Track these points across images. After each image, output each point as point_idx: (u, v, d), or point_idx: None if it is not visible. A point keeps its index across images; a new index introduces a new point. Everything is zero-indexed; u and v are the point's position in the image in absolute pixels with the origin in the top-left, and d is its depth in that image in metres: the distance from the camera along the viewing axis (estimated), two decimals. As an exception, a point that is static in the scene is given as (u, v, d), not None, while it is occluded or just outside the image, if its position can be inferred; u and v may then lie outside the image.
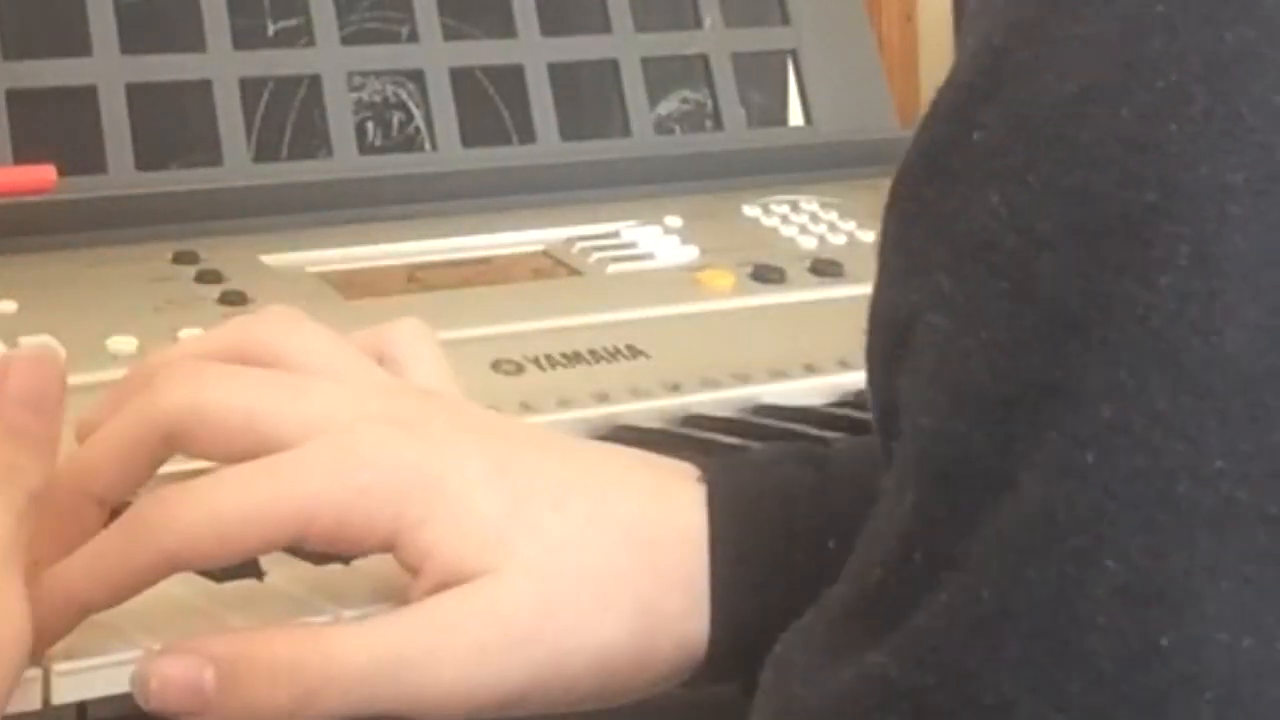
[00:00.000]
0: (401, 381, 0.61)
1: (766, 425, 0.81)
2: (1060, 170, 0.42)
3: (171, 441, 0.56)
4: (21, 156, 0.91)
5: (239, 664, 0.53)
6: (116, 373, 0.78)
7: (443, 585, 0.55)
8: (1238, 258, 0.40)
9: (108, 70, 0.94)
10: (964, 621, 0.42)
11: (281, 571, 0.63)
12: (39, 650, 0.53)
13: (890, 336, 0.46)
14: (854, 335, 0.89)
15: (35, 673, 0.53)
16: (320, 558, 0.64)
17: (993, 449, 0.42)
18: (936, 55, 1.48)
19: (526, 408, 0.80)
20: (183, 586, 0.62)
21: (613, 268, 0.94)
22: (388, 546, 0.55)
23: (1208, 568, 0.40)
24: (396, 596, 0.60)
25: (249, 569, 0.62)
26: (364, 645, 0.54)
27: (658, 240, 0.96)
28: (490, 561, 0.55)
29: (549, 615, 0.55)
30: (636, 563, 0.56)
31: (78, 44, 0.94)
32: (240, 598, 0.61)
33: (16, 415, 0.52)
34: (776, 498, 0.58)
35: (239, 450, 0.56)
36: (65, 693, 0.54)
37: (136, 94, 0.95)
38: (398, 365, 0.62)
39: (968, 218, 0.44)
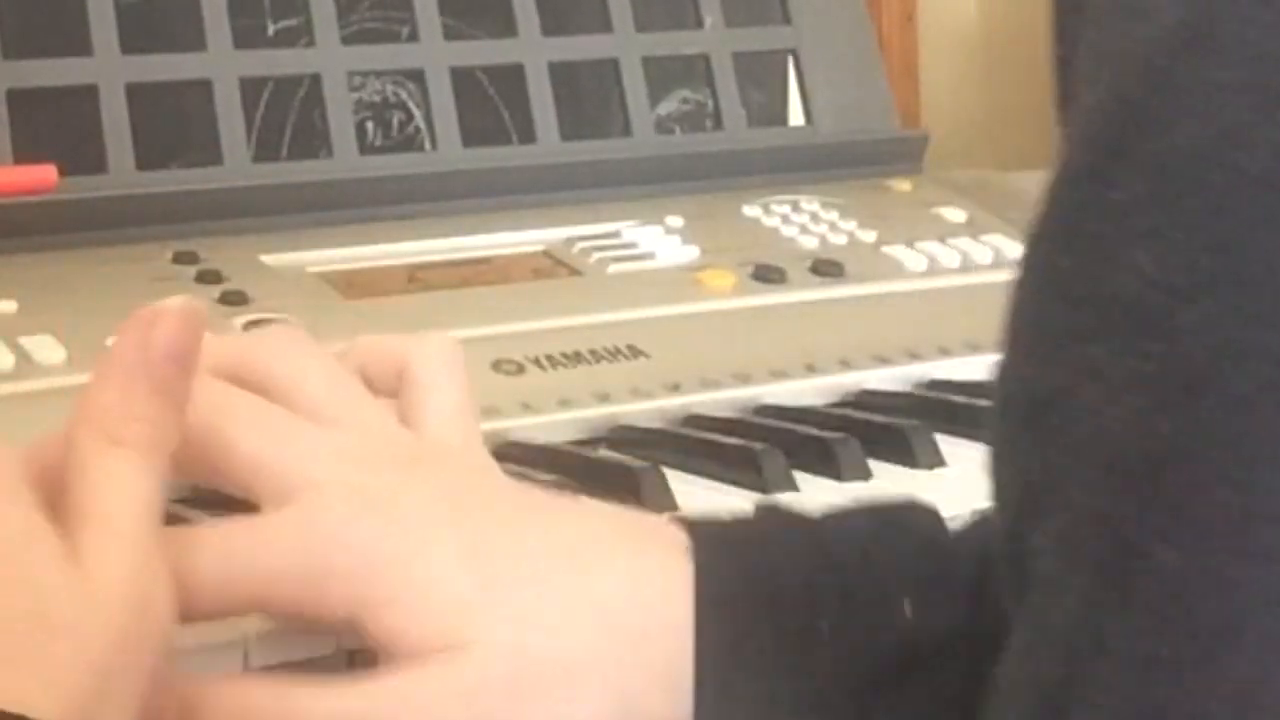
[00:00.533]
0: (390, 433, 0.58)
1: (766, 425, 0.81)
2: (1199, 220, 0.41)
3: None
4: (22, 156, 0.91)
5: (203, 707, 0.52)
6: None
7: (409, 663, 0.53)
8: None
9: (108, 70, 0.94)
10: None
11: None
12: None
13: (1028, 414, 0.45)
14: (854, 335, 0.89)
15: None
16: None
17: (1151, 520, 0.41)
18: (936, 55, 1.48)
19: (526, 408, 0.80)
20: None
21: (613, 268, 0.94)
22: (351, 625, 0.54)
23: None
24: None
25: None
26: (325, 708, 0.53)
27: (658, 240, 0.96)
28: (459, 638, 0.53)
29: (517, 698, 0.52)
30: (616, 651, 0.53)
31: (78, 44, 0.94)
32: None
33: (165, 370, 0.50)
34: (766, 586, 0.55)
35: (208, 476, 0.55)
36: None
37: (136, 94, 0.95)
38: (417, 388, 0.59)
39: (1112, 281, 0.42)
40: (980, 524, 0.60)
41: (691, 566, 0.55)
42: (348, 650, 0.59)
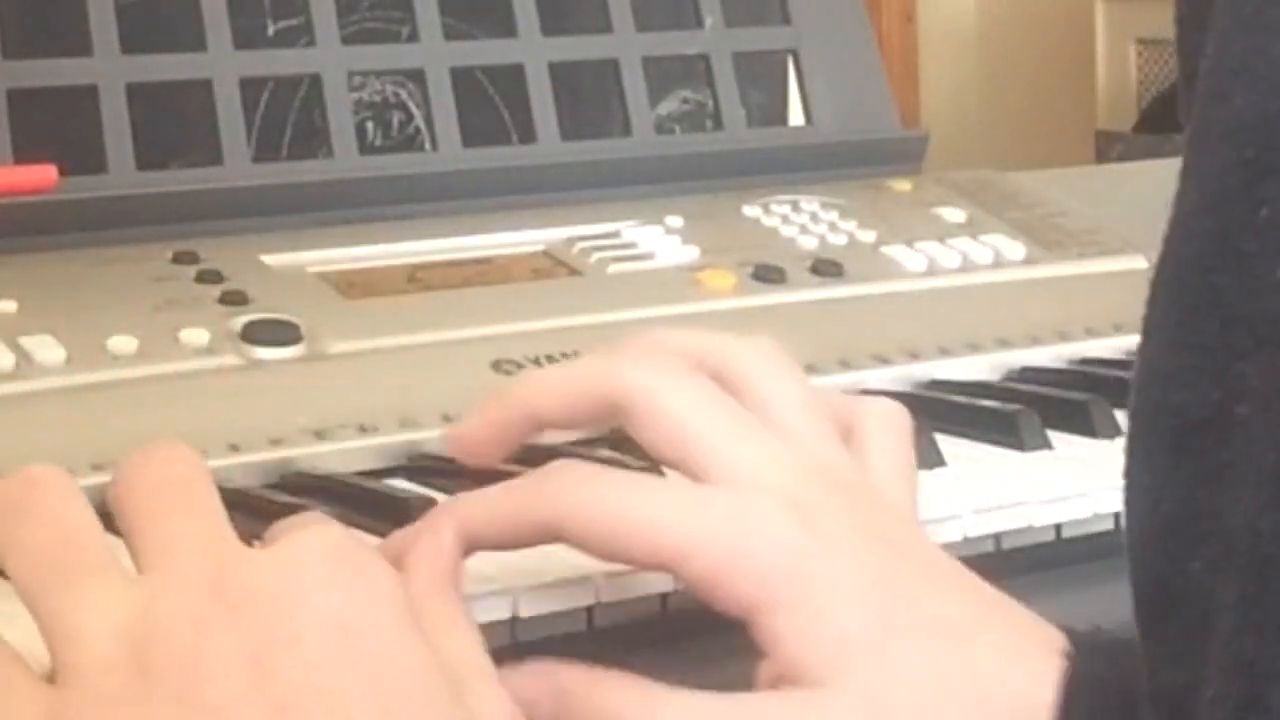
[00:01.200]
0: (839, 464, 0.58)
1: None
2: None
3: (614, 409, 0.58)
4: (21, 156, 0.91)
5: (574, 697, 0.53)
6: (117, 373, 0.78)
7: (782, 679, 0.54)
8: None
9: (108, 70, 0.94)
10: None
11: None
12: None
13: (1178, 440, 0.44)
14: (854, 335, 0.89)
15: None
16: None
17: None
18: (936, 55, 1.48)
19: (527, 408, 0.80)
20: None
21: (613, 268, 0.94)
22: (744, 617, 0.55)
23: None
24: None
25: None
26: (689, 717, 0.54)
27: (658, 240, 0.96)
28: (831, 676, 0.53)
29: None
30: None
31: (78, 44, 0.94)
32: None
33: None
34: (1123, 695, 0.53)
35: (660, 450, 0.57)
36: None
37: (136, 94, 0.95)
38: (861, 443, 0.60)
39: (1264, 298, 0.42)
40: None
41: (1065, 662, 0.54)
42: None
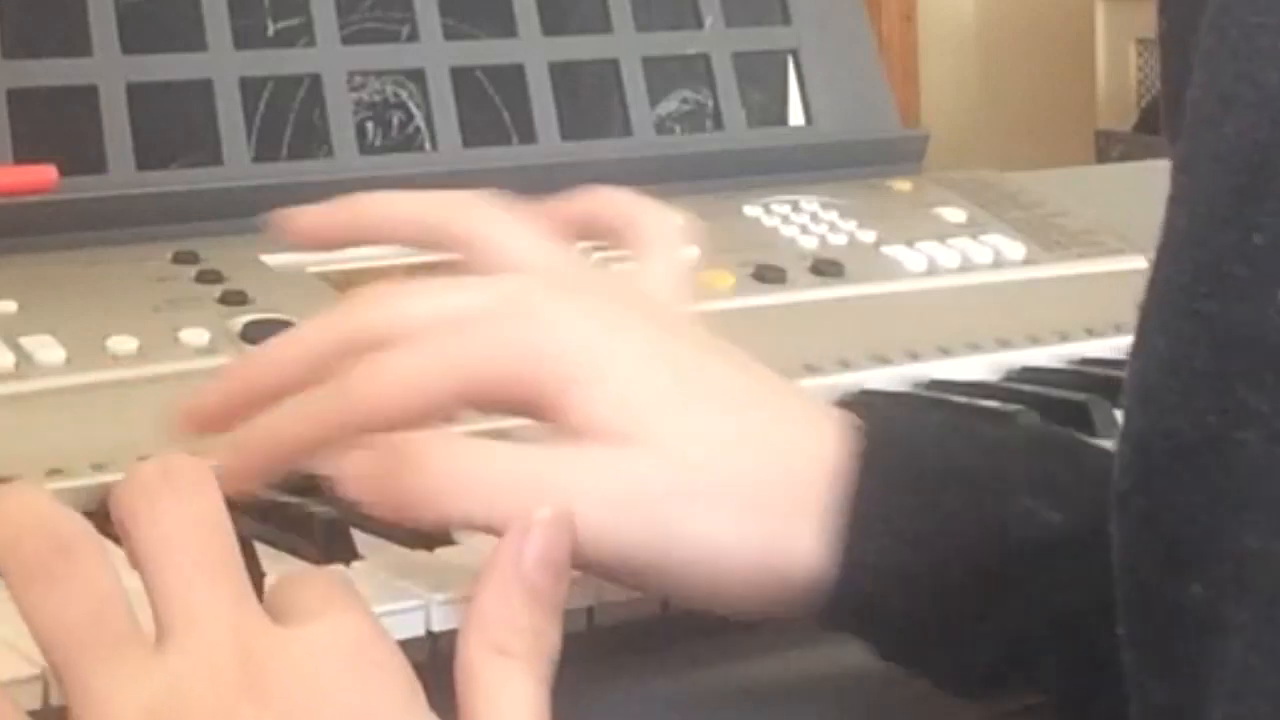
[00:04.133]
0: (600, 271, 0.63)
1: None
2: None
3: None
4: (21, 156, 0.91)
5: (411, 454, 0.56)
6: (117, 373, 0.78)
7: (588, 438, 0.57)
8: None
9: (108, 70, 0.94)
10: None
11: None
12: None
13: (1173, 465, 0.44)
14: (854, 335, 0.89)
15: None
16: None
17: None
18: (936, 55, 1.48)
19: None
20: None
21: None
22: (547, 406, 0.57)
23: None
24: (400, 598, 0.60)
25: (250, 569, 0.62)
26: (501, 466, 0.56)
27: (658, 240, 0.96)
28: (631, 433, 0.56)
29: (677, 495, 0.56)
30: (775, 484, 0.57)
31: (78, 44, 0.94)
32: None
33: (540, 579, 0.53)
34: (918, 460, 0.58)
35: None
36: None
37: (136, 94, 0.95)
38: (641, 248, 0.65)
39: (1258, 323, 0.42)
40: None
41: (861, 432, 0.58)
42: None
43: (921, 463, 0.58)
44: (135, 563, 0.50)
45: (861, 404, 0.61)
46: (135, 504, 0.50)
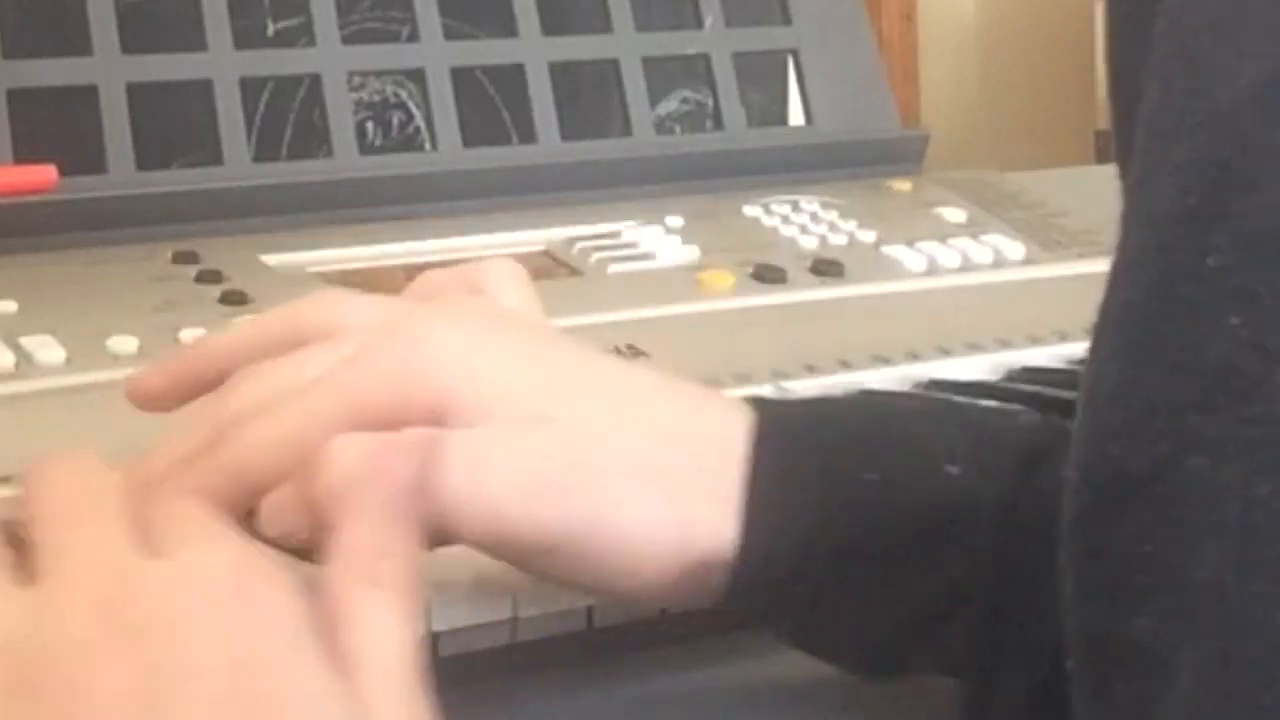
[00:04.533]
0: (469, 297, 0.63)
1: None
2: None
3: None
4: (21, 156, 0.91)
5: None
6: (116, 373, 0.78)
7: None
8: None
9: (108, 70, 0.94)
10: None
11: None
12: None
13: (1121, 494, 0.44)
14: (854, 335, 0.89)
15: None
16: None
17: (1265, 587, 0.41)
18: (936, 55, 1.48)
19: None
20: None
21: (613, 268, 0.94)
22: (445, 419, 0.57)
23: None
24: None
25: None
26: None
27: (658, 240, 0.96)
28: (538, 420, 0.56)
29: (585, 472, 0.56)
30: (673, 462, 0.57)
31: (78, 44, 0.94)
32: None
33: (404, 505, 0.52)
34: (820, 433, 0.58)
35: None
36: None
37: (136, 94, 0.95)
38: (491, 295, 0.64)
39: (1211, 346, 0.42)
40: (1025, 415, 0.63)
41: (750, 409, 0.58)
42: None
43: (821, 435, 0.58)
44: (29, 525, 0.49)
45: (762, 398, 0.61)
46: (31, 479, 0.51)
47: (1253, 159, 0.42)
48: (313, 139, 1.01)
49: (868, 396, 0.62)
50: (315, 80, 1.00)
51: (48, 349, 0.78)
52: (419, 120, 1.05)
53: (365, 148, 1.02)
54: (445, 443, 0.54)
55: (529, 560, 0.57)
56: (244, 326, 0.63)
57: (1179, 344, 0.43)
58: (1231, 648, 0.41)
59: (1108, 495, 0.44)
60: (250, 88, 0.98)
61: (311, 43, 1.00)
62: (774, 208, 1.02)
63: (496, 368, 0.57)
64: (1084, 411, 0.45)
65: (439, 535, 0.55)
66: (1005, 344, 0.90)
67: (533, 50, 1.05)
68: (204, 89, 0.97)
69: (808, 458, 0.58)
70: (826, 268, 0.96)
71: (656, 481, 0.56)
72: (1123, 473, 0.44)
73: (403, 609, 0.49)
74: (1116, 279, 0.45)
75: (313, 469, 0.55)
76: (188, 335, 0.81)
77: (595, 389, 0.58)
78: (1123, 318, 0.45)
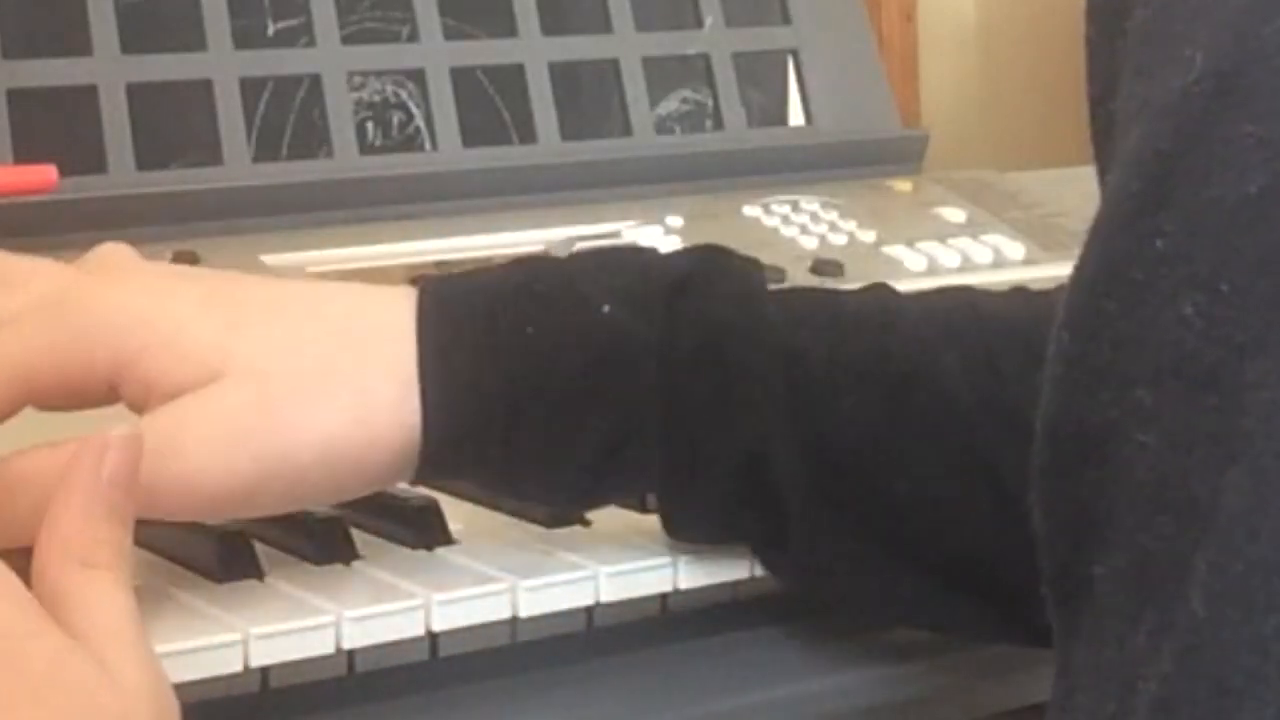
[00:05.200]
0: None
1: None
2: (1252, 276, 0.41)
3: None
4: (21, 156, 0.91)
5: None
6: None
7: (173, 401, 0.59)
8: None
9: (108, 70, 0.94)
10: None
11: (282, 571, 0.63)
12: None
13: (1082, 450, 0.45)
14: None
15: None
16: (320, 558, 0.64)
17: (1197, 569, 0.41)
18: (936, 55, 1.48)
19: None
20: (183, 587, 0.62)
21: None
22: (111, 387, 0.59)
23: None
24: (400, 597, 0.60)
25: (249, 569, 0.62)
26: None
27: (658, 240, 0.96)
28: (211, 374, 0.58)
29: (271, 411, 0.58)
30: (349, 356, 0.60)
31: (78, 44, 0.94)
32: (240, 598, 0.61)
33: (117, 494, 0.54)
34: (482, 298, 0.62)
35: None
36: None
37: (136, 94, 0.95)
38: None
39: (1160, 329, 0.43)
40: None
41: (414, 291, 0.62)
42: (348, 650, 0.59)
43: (478, 300, 0.61)
44: None
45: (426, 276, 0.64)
46: None
47: (1202, 152, 0.43)
48: (313, 139, 1.01)
49: (526, 259, 0.65)
50: (315, 80, 1.00)
51: (48, 349, 0.78)
52: (419, 120, 1.05)
53: (365, 148, 1.02)
54: (133, 441, 0.55)
55: (237, 510, 0.60)
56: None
57: (1127, 320, 0.44)
58: (1184, 616, 0.41)
59: (1073, 451, 0.45)
60: (250, 88, 0.98)
61: (311, 43, 1.00)
62: (774, 208, 1.02)
63: (177, 327, 0.59)
64: (1049, 367, 0.46)
65: (148, 514, 0.57)
66: (1005, 344, 0.90)
67: (533, 50, 1.05)
68: (204, 89, 0.97)
69: (469, 322, 0.61)
70: (826, 268, 0.96)
71: (336, 384, 0.59)
72: (1083, 434, 0.45)
73: (120, 583, 0.53)
74: (1081, 255, 0.46)
75: (12, 490, 0.57)
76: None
77: (273, 311, 0.61)
78: (1077, 291, 0.46)
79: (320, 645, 0.58)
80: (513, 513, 0.69)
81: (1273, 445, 0.40)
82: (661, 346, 0.61)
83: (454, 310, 0.61)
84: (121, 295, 0.60)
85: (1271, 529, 0.40)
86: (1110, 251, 0.45)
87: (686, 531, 0.64)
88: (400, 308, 0.61)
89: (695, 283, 0.62)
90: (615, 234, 0.96)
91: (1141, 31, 0.46)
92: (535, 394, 0.60)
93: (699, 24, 1.11)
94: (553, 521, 0.68)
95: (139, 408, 0.59)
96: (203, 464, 0.58)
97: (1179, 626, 0.41)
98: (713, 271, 0.64)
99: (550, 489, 0.62)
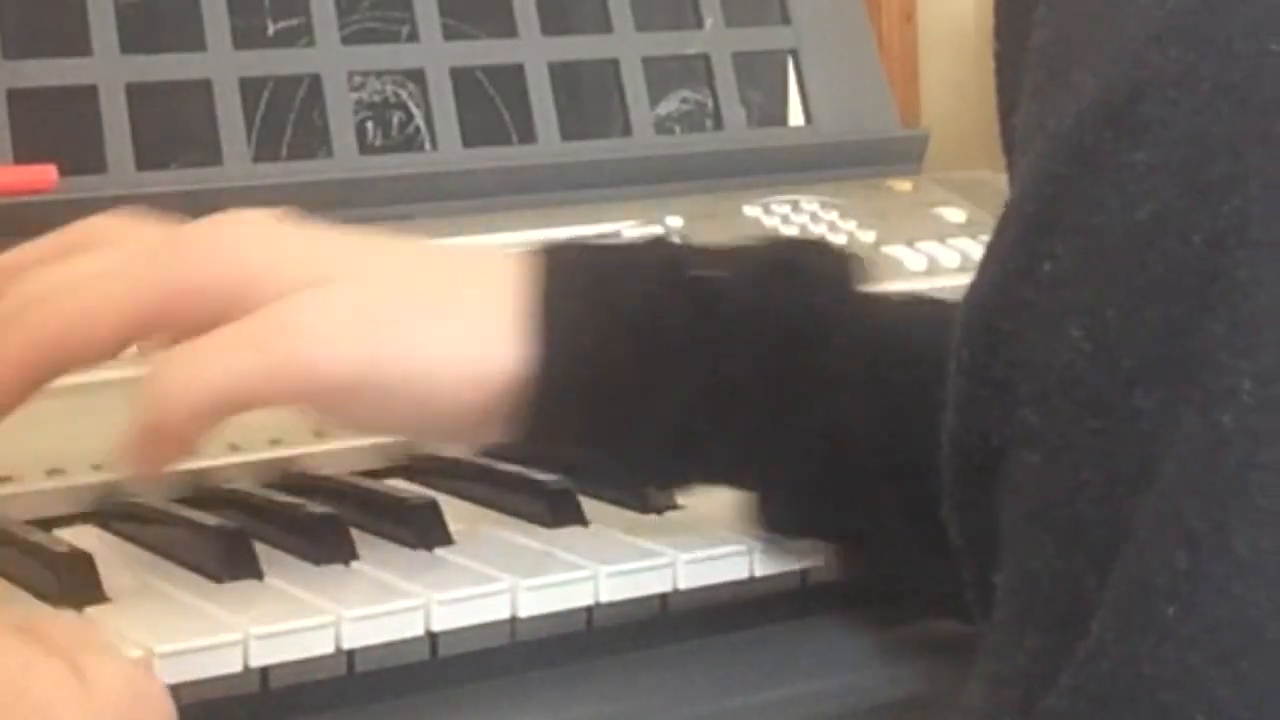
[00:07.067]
0: None
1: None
2: (1140, 302, 0.42)
3: None
4: (21, 156, 0.90)
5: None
6: (117, 373, 0.78)
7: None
8: None
9: (108, 70, 0.94)
10: None
11: (281, 571, 0.63)
12: None
13: (972, 461, 0.46)
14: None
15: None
16: (320, 558, 0.64)
17: (1095, 592, 0.41)
18: (936, 55, 1.48)
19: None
20: (183, 587, 0.62)
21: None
22: (247, 299, 0.60)
23: None
24: (399, 597, 0.60)
25: (249, 569, 0.62)
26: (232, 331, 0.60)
27: (658, 240, 0.96)
28: (333, 276, 0.61)
29: (395, 310, 0.60)
30: (462, 292, 0.62)
31: (78, 44, 0.94)
32: (240, 598, 0.61)
33: None
34: (600, 259, 0.64)
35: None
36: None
37: (136, 94, 0.95)
38: None
39: (1048, 351, 0.43)
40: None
41: (534, 252, 0.64)
42: (347, 650, 0.59)
43: (599, 262, 0.63)
44: None
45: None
46: None
47: (1091, 178, 0.43)
48: (313, 139, 1.01)
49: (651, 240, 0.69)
50: (315, 80, 1.00)
51: (48, 349, 0.78)
52: (419, 120, 1.04)
53: (365, 148, 1.02)
54: (281, 313, 0.59)
55: (336, 405, 0.61)
56: (20, 248, 0.67)
57: (1016, 340, 0.44)
58: (1057, 632, 0.42)
59: (972, 463, 0.46)
60: (250, 88, 0.98)
61: (311, 43, 1.00)
62: (774, 208, 1.02)
63: (288, 247, 0.62)
64: (951, 381, 0.47)
65: (267, 396, 0.59)
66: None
67: (533, 50, 1.05)
68: (203, 89, 0.97)
69: (585, 277, 0.63)
70: (826, 268, 0.96)
71: (452, 313, 0.61)
72: (977, 446, 0.45)
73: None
74: (978, 269, 0.46)
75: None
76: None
77: (383, 250, 0.63)
78: (970, 310, 0.46)
79: (320, 645, 0.58)
80: (513, 513, 0.69)
81: (1186, 478, 0.40)
82: (760, 316, 0.62)
83: (571, 272, 0.63)
84: (242, 229, 0.63)
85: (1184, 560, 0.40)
86: (1004, 271, 0.45)
87: (774, 514, 0.65)
88: (509, 261, 0.63)
89: (799, 268, 0.64)
90: (615, 234, 0.96)
91: (1040, 53, 0.47)
92: (647, 355, 0.62)
93: (699, 24, 1.11)
94: (646, 507, 0.69)
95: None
96: (322, 341, 0.59)
97: (1066, 648, 0.41)
98: (817, 255, 0.66)
99: (638, 455, 0.63)
